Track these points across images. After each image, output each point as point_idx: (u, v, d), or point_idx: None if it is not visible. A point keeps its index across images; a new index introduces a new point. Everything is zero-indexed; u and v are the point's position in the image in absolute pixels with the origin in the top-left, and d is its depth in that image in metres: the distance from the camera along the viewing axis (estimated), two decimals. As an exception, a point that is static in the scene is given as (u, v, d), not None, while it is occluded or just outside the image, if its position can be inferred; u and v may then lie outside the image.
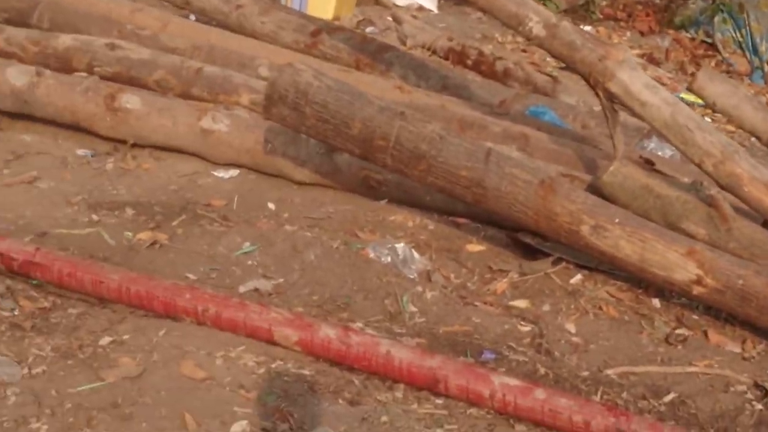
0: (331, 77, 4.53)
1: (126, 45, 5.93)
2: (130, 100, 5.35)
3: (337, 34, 6.79)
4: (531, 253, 4.56)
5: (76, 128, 5.50)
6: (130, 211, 4.68)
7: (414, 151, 4.32)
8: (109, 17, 6.59)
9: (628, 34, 10.44)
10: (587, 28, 9.93)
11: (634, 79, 4.58)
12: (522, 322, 4.04)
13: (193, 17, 7.63)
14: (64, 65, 5.83)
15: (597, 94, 4.69)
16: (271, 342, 3.58)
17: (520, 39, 8.85)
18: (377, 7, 9.89)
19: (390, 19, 8.87)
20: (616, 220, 4.13)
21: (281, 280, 4.13)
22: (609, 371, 3.75)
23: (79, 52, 5.87)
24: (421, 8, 10.13)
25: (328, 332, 3.54)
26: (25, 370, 3.33)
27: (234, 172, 5.22)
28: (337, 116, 4.41)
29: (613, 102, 4.65)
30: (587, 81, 4.70)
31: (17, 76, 5.50)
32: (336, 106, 4.40)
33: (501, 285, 4.31)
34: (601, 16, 10.79)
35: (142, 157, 5.36)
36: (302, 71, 4.48)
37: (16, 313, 3.71)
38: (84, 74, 5.66)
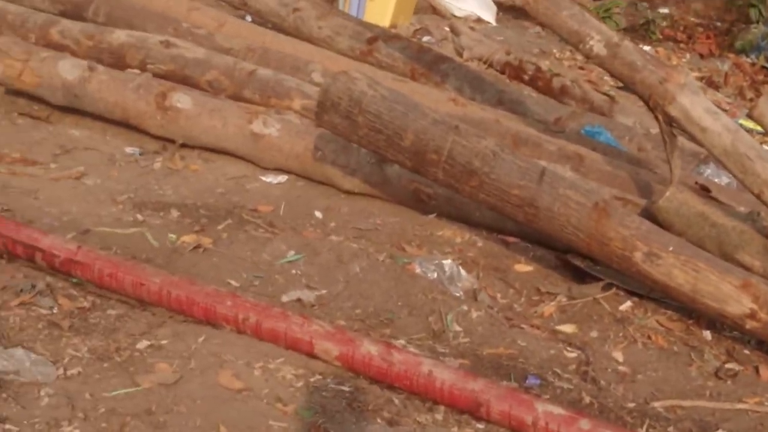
0: (385, 87, 4.46)
1: (181, 43, 5.90)
2: (182, 99, 5.32)
3: (393, 43, 6.73)
4: (580, 276, 4.47)
5: (125, 125, 5.49)
6: (175, 213, 4.63)
7: (466, 167, 4.24)
8: (166, 14, 6.58)
9: (688, 56, 10.35)
10: (646, 47, 9.82)
11: (695, 103, 4.48)
12: (568, 348, 3.95)
13: (249, 18, 7.61)
14: (117, 61, 5.81)
15: (656, 117, 4.60)
16: (312, 355, 3.52)
17: (578, 56, 8.78)
18: (435, 17, 9.85)
19: (447, 29, 8.81)
20: (670, 248, 4.03)
21: (324, 291, 4.07)
22: (656, 404, 3.65)
23: (133, 49, 5.86)
24: (479, 20, 10.08)
25: (369, 348, 3.47)
26: (60, 371, 3.29)
27: (282, 178, 5.17)
28: (390, 127, 4.33)
29: (672, 126, 4.55)
30: (646, 103, 4.61)
31: (69, 69, 5.49)
32: (389, 116, 4.33)
33: (548, 308, 4.22)
34: (661, 37, 10.71)
35: (191, 158, 5.32)
36: (357, 79, 4.41)
37: (54, 311, 3.67)
38: (137, 71, 5.63)
